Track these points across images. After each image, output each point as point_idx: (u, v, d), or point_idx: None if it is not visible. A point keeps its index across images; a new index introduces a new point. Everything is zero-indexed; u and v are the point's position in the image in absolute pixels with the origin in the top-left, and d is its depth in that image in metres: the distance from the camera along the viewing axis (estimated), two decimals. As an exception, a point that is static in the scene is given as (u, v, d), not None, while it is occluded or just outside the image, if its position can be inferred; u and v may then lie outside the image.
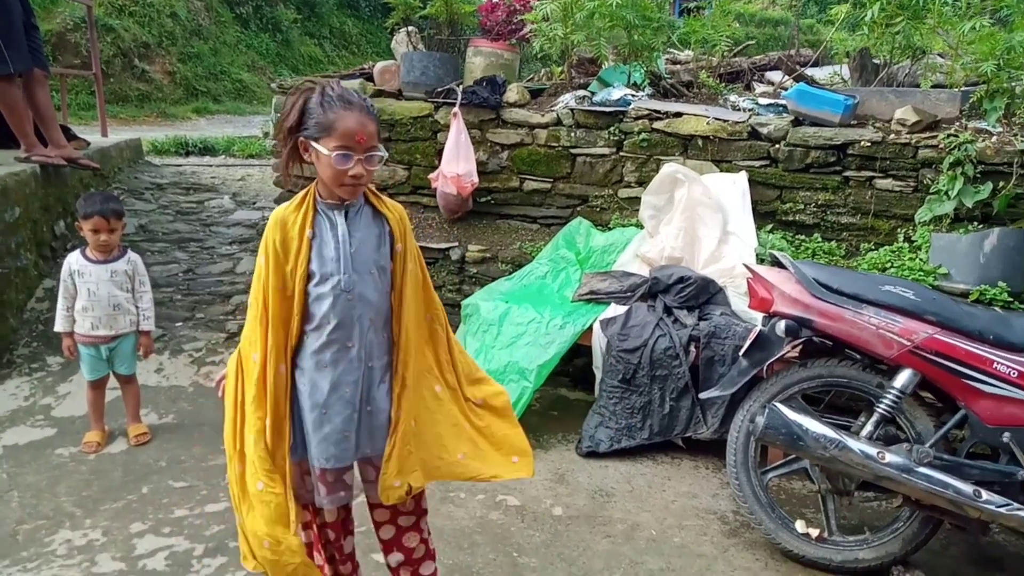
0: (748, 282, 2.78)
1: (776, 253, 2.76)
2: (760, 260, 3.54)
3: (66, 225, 4.74)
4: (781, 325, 2.56)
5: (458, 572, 2.49)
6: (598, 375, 3.47)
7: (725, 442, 2.76)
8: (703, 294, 3.47)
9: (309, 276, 1.74)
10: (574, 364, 3.91)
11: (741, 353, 2.72)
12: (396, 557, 2.01)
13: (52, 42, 10.61)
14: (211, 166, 7.20)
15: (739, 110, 4.10)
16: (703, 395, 2.88)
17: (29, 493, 2.85)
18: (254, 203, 5.93)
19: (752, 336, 2.69)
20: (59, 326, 3.16)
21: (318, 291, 1.74)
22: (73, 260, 3.14)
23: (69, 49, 11.16)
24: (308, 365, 1.78)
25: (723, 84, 4.79)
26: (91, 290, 3.11)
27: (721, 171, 3.94)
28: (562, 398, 3.92)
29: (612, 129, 4.13)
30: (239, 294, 4.59)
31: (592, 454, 3.31)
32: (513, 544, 2.67)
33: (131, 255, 3.25)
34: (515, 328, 3.50)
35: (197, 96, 13.48)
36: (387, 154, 1.82)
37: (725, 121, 3.94)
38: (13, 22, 4.06)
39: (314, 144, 1.67)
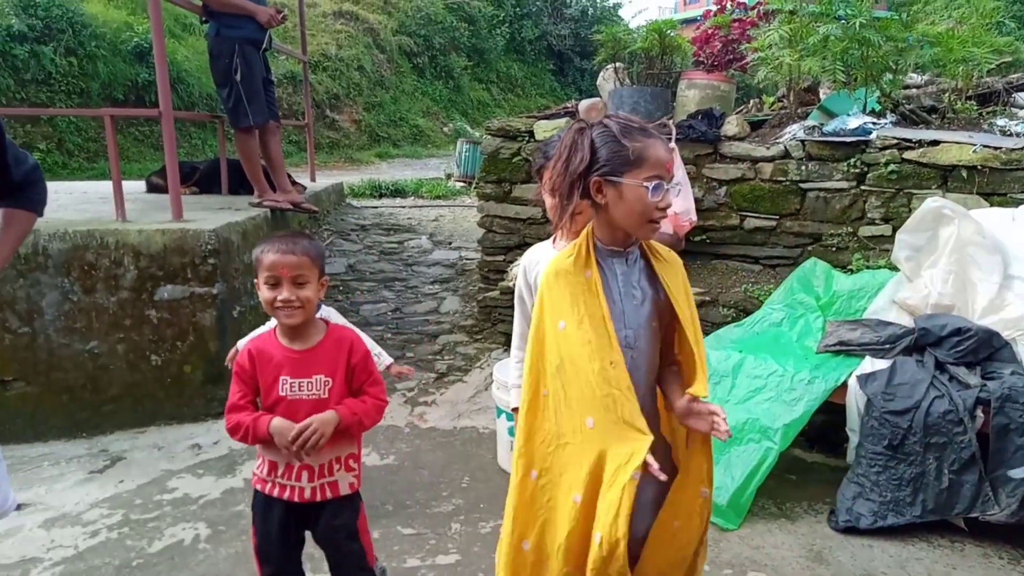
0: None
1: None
2: (1061, 311, 2.98)
3: (286, 265, 5.01)
4: None
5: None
6: (853, 438, 3.05)
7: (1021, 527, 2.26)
8: (984, 348, 2.96)
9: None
10: (811, 422, 3.48)
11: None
12: None
13: (260, 97, 11.74)
14: (404, 207, 7.48)
15: (1011, 135, 3.55)
16: (1018, 473, 2.39)
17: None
18: (450, 243, 6.03)
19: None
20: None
21: None
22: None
23: (273, 103, 12.32)
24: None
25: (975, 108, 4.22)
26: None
27: (991, 205, 3.41)
28: (798, 460, 3.50)
29: (852, 161, 3.72)
30: (444, 334, 4.61)
31: (851, 530, 2.88)
32: (781, 637, 2.33)
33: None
34: (752, 381, 3.18)
35: (379, 142, 14.38)
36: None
37: (997, 148, 3.42)
38: (255, 79, 4.38)
39: (617, 179, 1.49)
